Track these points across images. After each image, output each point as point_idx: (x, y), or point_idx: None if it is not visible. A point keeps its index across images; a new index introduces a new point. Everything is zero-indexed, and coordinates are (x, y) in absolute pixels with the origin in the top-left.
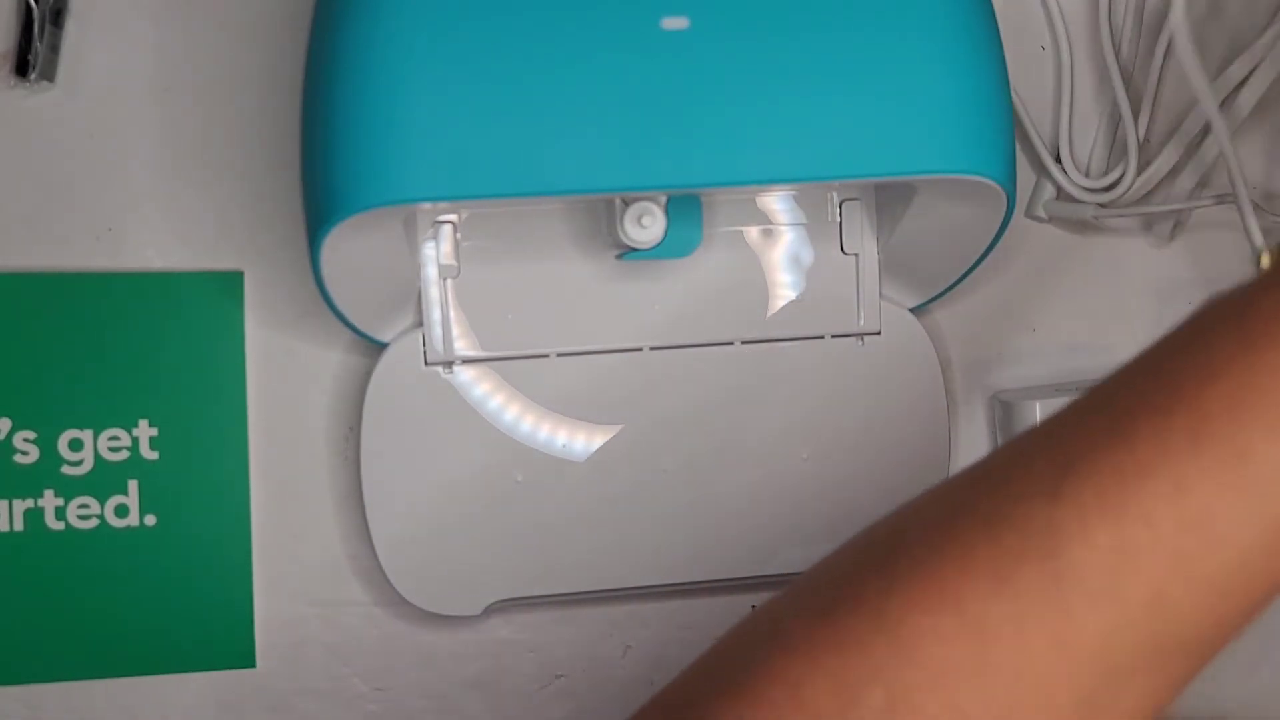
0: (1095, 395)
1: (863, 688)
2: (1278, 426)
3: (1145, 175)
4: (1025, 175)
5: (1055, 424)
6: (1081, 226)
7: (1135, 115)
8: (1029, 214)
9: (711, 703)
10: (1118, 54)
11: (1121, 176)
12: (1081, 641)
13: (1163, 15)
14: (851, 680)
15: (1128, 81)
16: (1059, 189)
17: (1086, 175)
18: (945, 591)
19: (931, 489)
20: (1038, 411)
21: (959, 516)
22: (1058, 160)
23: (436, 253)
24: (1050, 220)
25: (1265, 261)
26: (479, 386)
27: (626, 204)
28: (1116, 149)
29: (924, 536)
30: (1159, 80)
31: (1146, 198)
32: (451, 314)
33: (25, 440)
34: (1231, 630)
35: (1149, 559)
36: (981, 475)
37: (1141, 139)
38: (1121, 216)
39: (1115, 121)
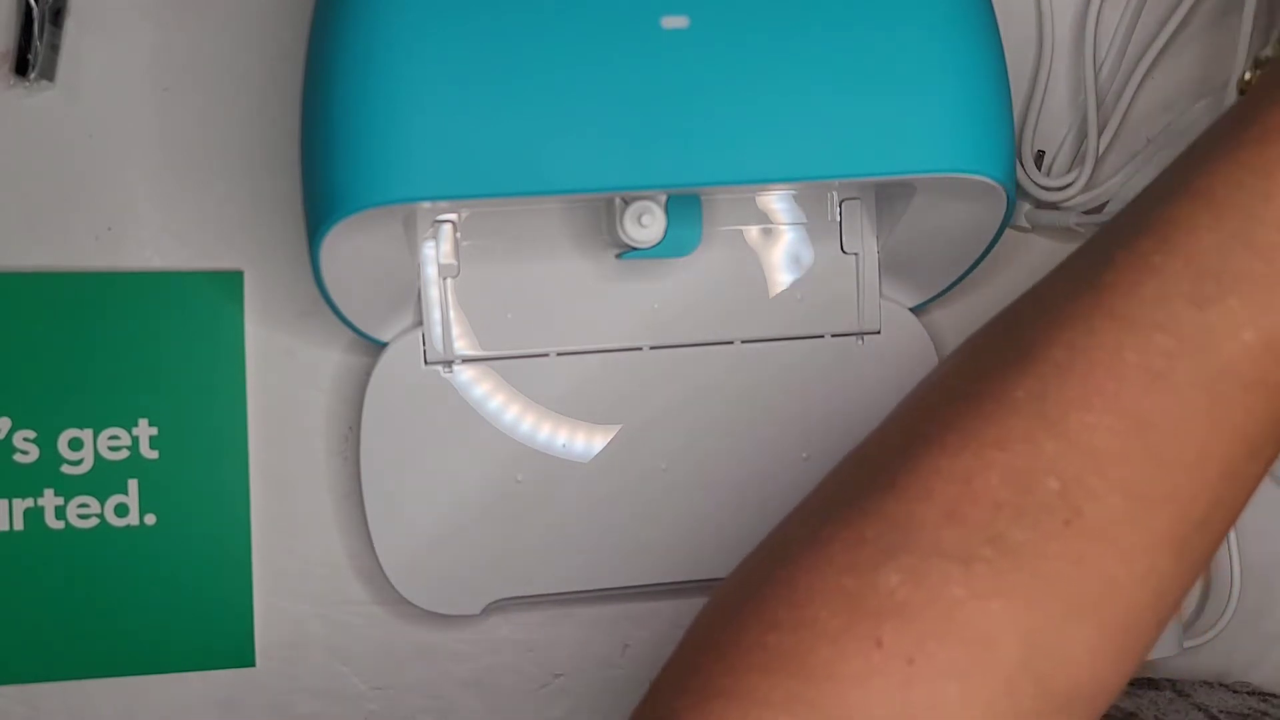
0: (1193, 202)
1: (1037, 477)
2: None
3: (1098, 187)
4: None
5: (1168, 232)
6: (1067, 234)
7: (1100, 130)
8: (1012, 224)
9: (874, 499)
10: (1097, 75)
11: (1074, 180)
12: (1233, 424)
13: (1145, 44)
14: (1023, 470)
15: (1100, 100)
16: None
17: (1048, 175)
18: (1103, 391)
19: (1037, 297)
20: None
21: (1096, 320)
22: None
23: (436, 252)
24: (1033, 230)
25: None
26: (479, 386)
27: (626, 203)
28: (1078, 158)
29: (1061, 339)
30: (1130, 102)
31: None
32: (451, 314)
33: (25, 440)
34: None
35: None
36: (1108, 284)
37: (1102, 151)
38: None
39: (1083, 135)
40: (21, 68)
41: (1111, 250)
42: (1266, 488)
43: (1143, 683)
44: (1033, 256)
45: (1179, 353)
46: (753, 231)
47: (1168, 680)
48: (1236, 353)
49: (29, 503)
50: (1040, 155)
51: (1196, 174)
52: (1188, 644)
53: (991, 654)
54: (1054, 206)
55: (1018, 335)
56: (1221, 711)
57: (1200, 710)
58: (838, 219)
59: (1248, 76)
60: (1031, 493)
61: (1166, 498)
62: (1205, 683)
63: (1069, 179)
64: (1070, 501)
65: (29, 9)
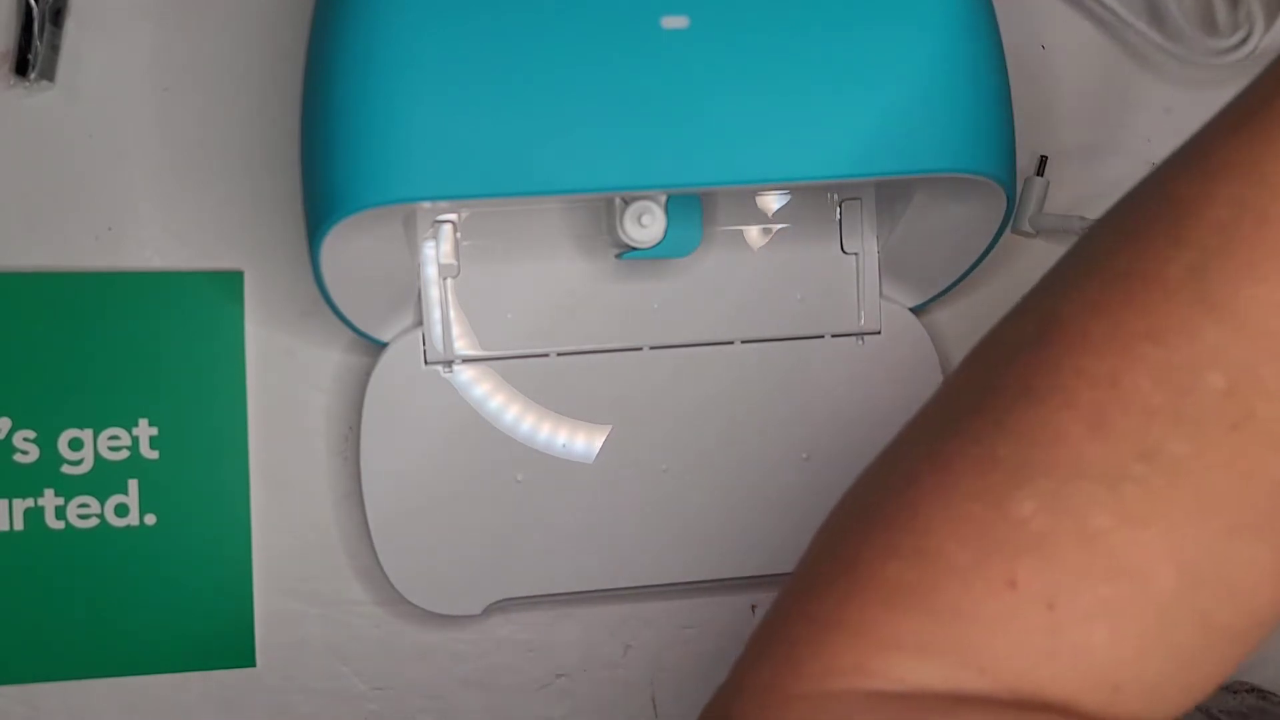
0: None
1: (1198, 373)
2: None
3: None
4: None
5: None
6: (1071, 239)
7: None
8: (1015, 229)
9: (1005, 407)
10: None
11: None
12: None
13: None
14: (1182, 366)
15: None
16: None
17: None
18: (1268, 259)
19: (1195, 146)
20: None
21: (1267, 165)
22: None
23: (436, 252)
24: (1038, 234)
25: None
26: (479, 386)
27: (626, 203)
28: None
29: (1222, 194)
30: None
31: None
32: (451, 313)
33: (25, 440)
34: None
35: None
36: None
37: None
38: None
39: None
40: (21, 68)
41: (1270, 89)
42: None
43: None
44: (1034, 257)
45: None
46: (753, 231)
47: None
48: None
49: (29, 503)
50: (1043, 161)
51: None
52: None
53: (1144, 589)
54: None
55: (1171, 190)
56: (1221, 711)
57: (1200, 711)
58: (838, 219)
59: None
60: (1191, 393)
61: None
62: None
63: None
64: (1239, 400)
65: (29, 9)
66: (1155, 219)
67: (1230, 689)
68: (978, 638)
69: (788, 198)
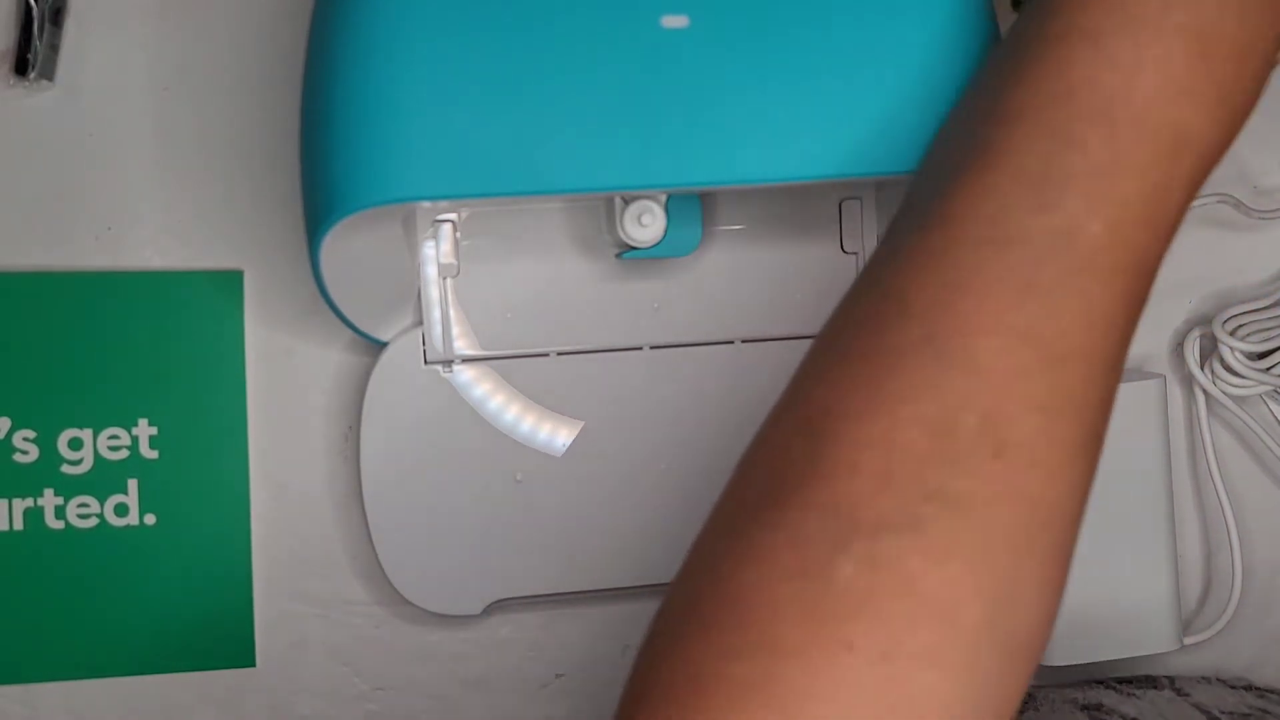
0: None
1: (954, 418)
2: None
3: None
4: None
5: (991, 157)
6: None
7: None
8: None
9: (802, 490)
10: None
11: None
12: (1104, 315)
13: None
14: (939, 415)
15: None
16: None
17: None
18: (984, 313)
19: (891, 246)
20: None
21: (954, 250)
22: None
23: (436, 252)
24: None
25: None
26: (479, 386)
27: (626, 203)
28: None
29: (930, 280)
30: None
31: None
32: (451, 313)
33: (25, 439)
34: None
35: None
36: (952, 215)
37: None
38: None
39: None
40: (21, 68)
41: (944, 185)
42: (1267, 488)
43: (1142, 680)
44: None
45: (1039, 260)
46: (753, 231)
47: (1167, 678)
48: (1089, 247)
49: (29, 503)
50: None
51: (1005, 92)
52: (1188, 640)
53: (958, 625)
54: None
55: (887, 285)
56: (1222, 712)
57: (1201, 711)
58: (838, 219)
59: None
60: (953, 436)
61: (1068, 404)
62: (1204, 679)
63: None
64: (993, 432)
65: (29, 9)
66: (882, 305)
67: (1229, 684)
68: (826, 711)
69: (787, 197)
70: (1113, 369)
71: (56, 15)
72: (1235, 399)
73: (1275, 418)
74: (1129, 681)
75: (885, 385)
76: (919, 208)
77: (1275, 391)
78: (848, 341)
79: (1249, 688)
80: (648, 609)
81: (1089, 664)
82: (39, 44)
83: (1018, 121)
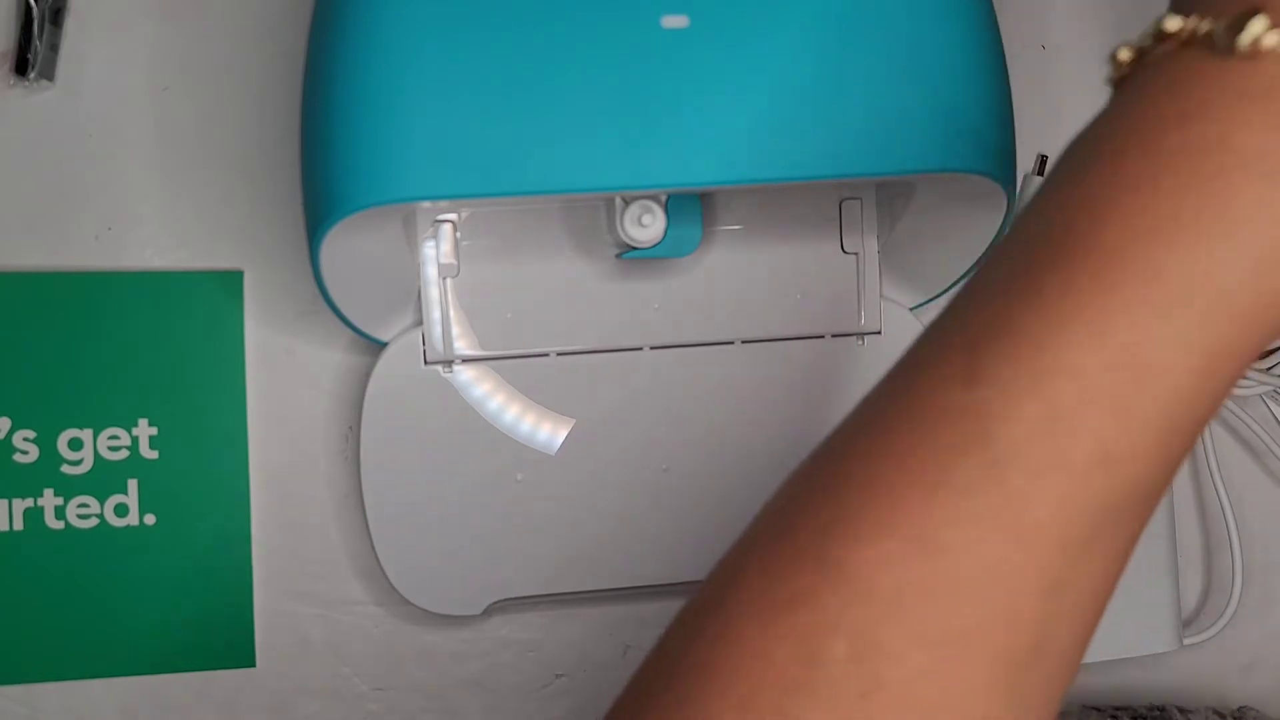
0: (991, 264)
1: (822, 640)
2: (1178, 239)
3: None
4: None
5: (959, 302)
6: None
7: None
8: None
9: (689, 684)
10: None
11: None
12: (1036, 524)
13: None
14: (811, 635)
15: None
16: None
17: None
18: (883, 512)
19: (859, 403)
20: None
21: (880, 435)
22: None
23: (436, 252)
24: None
25: (1124, 55)
26: (479, 386)
27: (626, 203)
28: None
29: (854, 451)
30: None
31: None
32: (451, 313)
33: (25, 440)
34: (1177, 467)
35: (1083, 414)
36: (900, 373)
37: None
38: None
39: None
40: (21, 68)
41: (912, 382)
42: (1267, 487)
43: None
44: None
45: (961, 448)
46: (753, 231)
47: (1157, 709)
48: (1020, 437)
49: (29, 503)
50: (1043, 161)
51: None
52: (1188, 641)
53: None
54: None
55: (814, 467)
56: None
57: None
58: (838, 219)
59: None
60: (820, 663)
61: (979, 629)
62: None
63: None
64: (866, 667)
65: (29, 9)
66: (800, 492)
67: (1218, 712)
68: None
69: (787, 197)
70: (1066, 589)
71: (56, 15)
72: (1235, 399)
73: (1275, 418)
74: (1125, 709)
75: (768, 584)
76: (872, 399)
77: (1275, 391)
78: (764, 523)
79: (1241, 710)
80: (648, 609)
81: (1088, 664)
82: (39, 44)
83: (1080, 252)
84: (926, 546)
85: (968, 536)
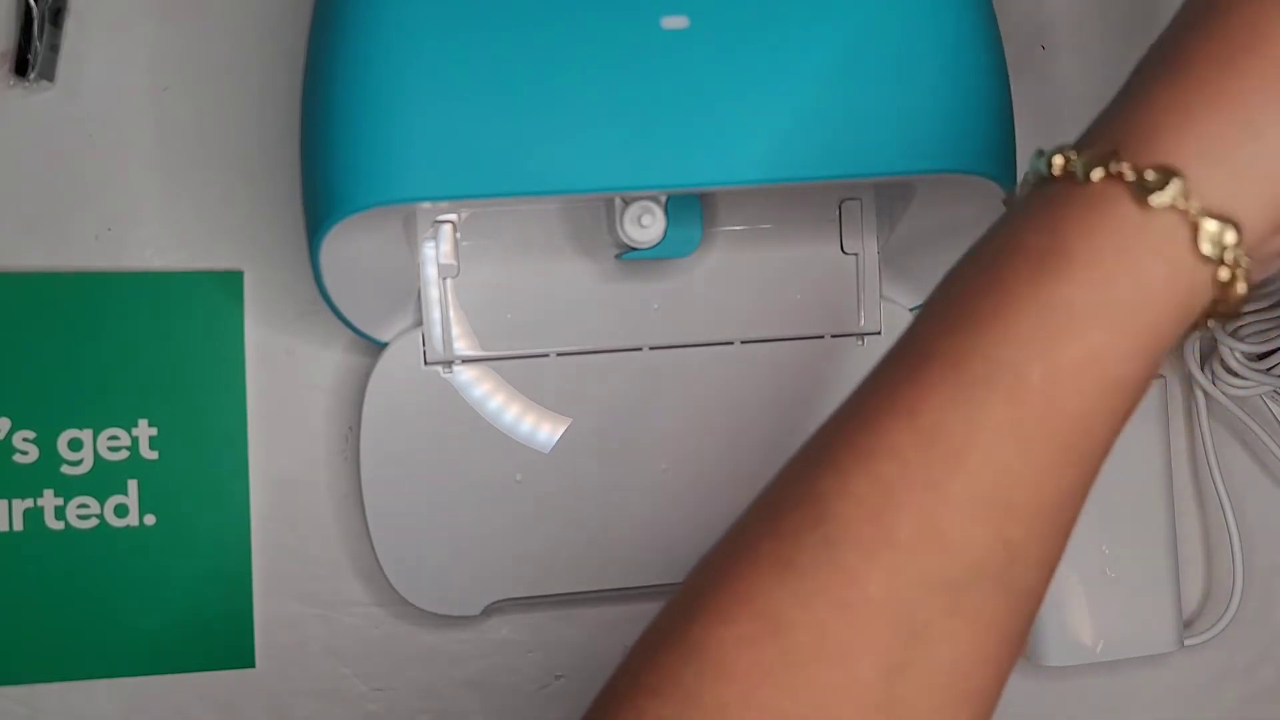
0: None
1: None
2: (981, 330)
3: None
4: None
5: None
6: None
7: None
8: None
9: None
10: None
11: None
12: (867, 599)
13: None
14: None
15: None
16: None
17: None
18: (738, 593)
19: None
20: None
21: (749, 517)
22: None
23: (436, 252)
24: None
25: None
26: (479, 386)
27: (626, 203)
28: None
29: (721, 546)
30: None
31: None
32: (451, 314)
33: (25, 440)
34: (1018, 545)
35: (906, 492)
36: (793, 457)
37: None
38: None
39: None
40: (21, 68)
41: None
42: (1267, 488)
43: None
44: None
45: (805, 528)
46: (753, 231)
47: None
48: (851, 516)
49: (29, 503)
50: None
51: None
52: (1189, 642)
53: None
54: None
55: (698, 569)
56: None
57: None
58: (838, 219)
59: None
60: None
61: (823, 711)
62: None
63: None
64: None
65: (29, 9)
66: (685, 586)
67: None
68: None
69: (787, 197)
70: (916, 671)
71: (56, 15)
72: (1235, 399)
73: (1275, 418)
74: None
75: (643, 672)
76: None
77: (1275, 392)
78: (663, 612)
79: None
80: (647, 609)
81: (1090, 664)
82: (39, 44)
83: (912, 345)
84: (776, 624)
85: (807, 613)
